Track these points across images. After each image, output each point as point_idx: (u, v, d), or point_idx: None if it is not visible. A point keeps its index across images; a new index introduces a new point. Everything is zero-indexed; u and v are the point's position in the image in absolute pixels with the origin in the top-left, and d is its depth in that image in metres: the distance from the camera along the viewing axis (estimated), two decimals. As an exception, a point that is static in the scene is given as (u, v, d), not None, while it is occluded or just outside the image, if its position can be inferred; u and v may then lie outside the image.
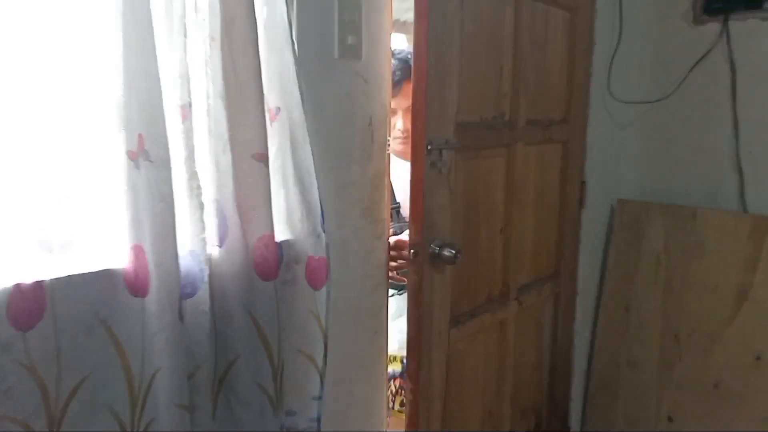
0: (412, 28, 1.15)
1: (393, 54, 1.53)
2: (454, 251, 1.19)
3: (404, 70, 1.52)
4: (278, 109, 0.95)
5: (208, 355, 0.87)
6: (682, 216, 1.82)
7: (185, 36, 0.82)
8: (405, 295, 1.61)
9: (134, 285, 0.77)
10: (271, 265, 0.92)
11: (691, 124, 1.85)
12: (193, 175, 0.84)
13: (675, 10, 1.84)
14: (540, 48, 1.48)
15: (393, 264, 1.45)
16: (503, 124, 1.40)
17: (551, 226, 1.66)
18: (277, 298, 0.94)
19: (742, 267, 1.70)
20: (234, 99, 0.86)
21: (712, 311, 1.75)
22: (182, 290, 0.81)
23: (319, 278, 0.99)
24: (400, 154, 1.64)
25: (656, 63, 1.89)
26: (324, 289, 1.00)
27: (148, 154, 0.76)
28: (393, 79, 1.51)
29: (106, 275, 0.76)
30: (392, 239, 1.46)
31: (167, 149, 0.77)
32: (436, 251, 1.20)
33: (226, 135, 0.87)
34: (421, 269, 1.19)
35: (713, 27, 1.77)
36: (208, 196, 0.88)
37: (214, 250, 0.90)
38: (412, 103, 1.15)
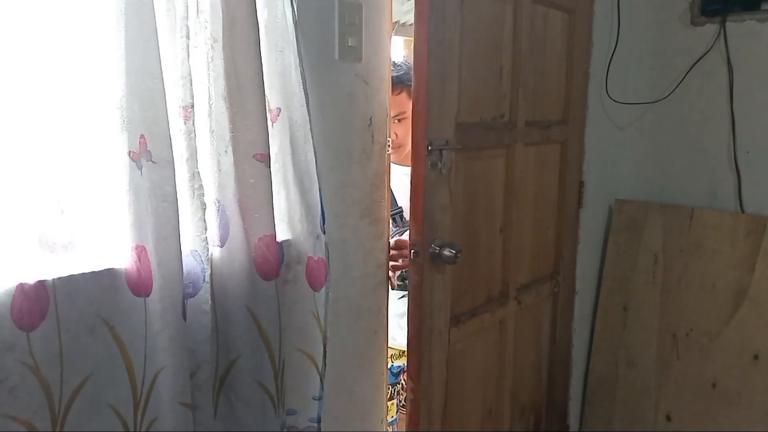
0: (412, 30, 1.16)
1: None
2: (454, 251, 1.19)
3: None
4: (279, 109, 0.95)
5: (209, 355, 0.88)
6: (679, 216, 1.82)
7: (187, 37, 0.83)
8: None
9: (137, 285, 0.77)
10: (272, 265, 0.92)
11: (689, 125, 1.86)
12: (194, 176, 0.84)
13: (673, 12, 1.85)
14: (539, 49, 1.49)
15: (395, 264, 1.45)
16: (503, 125, 1.40)
17: (550, 226, 1.67)
18: (278, 297, 0.94)
19: (740, 266, 1.71)
20: (235, 100, 0.87)
21: (709, 311, 1.76)
22: (184, 290, 0.82)
23: (319, 278, 1.00)
24: (394, 161, 1.65)
25: (654, 64, 1.90)
26: (323, 290, 1.00)
27: (150, 155, 0.76)
28: None
29: (109, 275, 0.76)
30: (393, 239, 1.47)
31: (170, 150, 0.78)
32: (437, 251, 1.20)
33: (227, 135, 0.87)
34: (421, 269, 1.19)
35: (711, 28, 1.78)
36: (210, 196, 0.88)
37: (215, 250, 0.90)
38: (413, 104, 1.15)
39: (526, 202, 1.52)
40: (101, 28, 0.74)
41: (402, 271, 1.55)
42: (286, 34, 0.93)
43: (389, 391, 1.62)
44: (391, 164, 1.64)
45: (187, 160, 0.83)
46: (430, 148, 1.16)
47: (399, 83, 1.55)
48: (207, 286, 0.86)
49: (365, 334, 1.25)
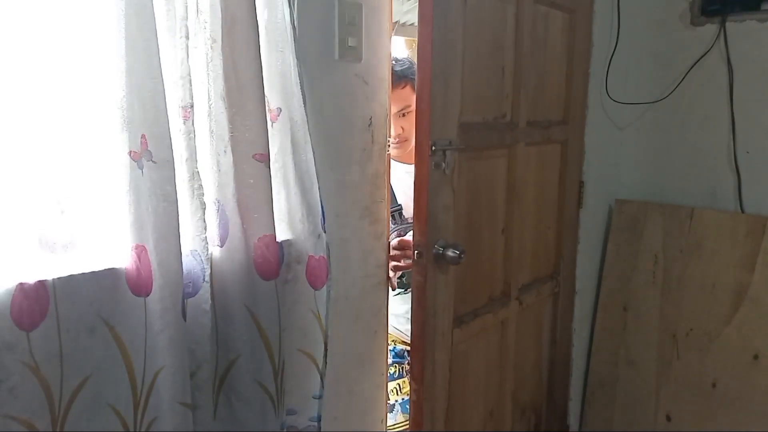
0: (411, 30, 1.16)
1: None
2: (458, 252, 1.18)
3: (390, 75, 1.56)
4: (279, 109, 0.95)
5: (209, 355, 0.88)
6: (679, 216, 1.82)
7: (187, 37, 0.83)
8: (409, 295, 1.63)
9: (137, 284, 0.78)
10: (271, 264, 0.92)
11: (689, 125, 1.86)
12: (194, 176, 0.84)
13: (672, 12, 1.85)
14: (540, 49, 1.48)
15: (397, 264, 1.46)
16: (505, 125, 1.40)
17: (550, 226, 1.67)
18: (278, 297, 0.94)
19: (740, 267, 1.71)
20: (235, 100, 0.87)
21: (709, 311, 1.76)
22: (184, 290, 0.82)
23: (320, 278, 1.00)
24: (396, 158, 1.65)
25: (654, 64, 1.90)
26: (324, 289, 1.00)
27: (150, 155, 0.76)
28: None
29: (109, 275, 0.76)
30: (396, 240, 1.47)
31: (170, 150, 0.78)
32: (440, 252, 1.20)
33: (227, 135, 0.87)
34: (425, 270, 1.18)
35: (711, 28, 1.78)
36: (210, 196, 0.89)
37: (215, 250, 0.90)
38: (417, 104, 1.15)
39: (527, 202, 1.52)
40: (101, 28, 0.74)
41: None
42: (285, 34, 0.93)
43: (396, 369, 1.65)
44: (392, 162, 1.66)
45: (186, 160, 0.83)
46: (433, 148, 1.15)
47: (403, 77, 1.57)
48: (207, 286, 0.86)
49: (365, 334, 1.25)
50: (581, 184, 1.78)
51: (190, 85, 0.83)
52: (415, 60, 1.65)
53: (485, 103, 1.33)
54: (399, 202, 1.64)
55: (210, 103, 0.87)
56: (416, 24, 1.15)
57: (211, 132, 0.88)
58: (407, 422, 1.60)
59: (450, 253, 1.19)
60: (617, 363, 1.92)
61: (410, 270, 1.47)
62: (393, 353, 1.67)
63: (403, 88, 1.57)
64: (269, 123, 0.93)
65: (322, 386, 1.02)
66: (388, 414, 1.58)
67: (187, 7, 0.83)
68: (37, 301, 0.69)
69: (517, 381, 1.59)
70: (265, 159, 0.90)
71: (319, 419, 1.03)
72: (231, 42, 0.86)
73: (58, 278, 0.72)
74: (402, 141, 1.61)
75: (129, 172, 0.76)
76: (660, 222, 1.86)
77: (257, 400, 0.94)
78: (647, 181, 1.95)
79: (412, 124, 1.59)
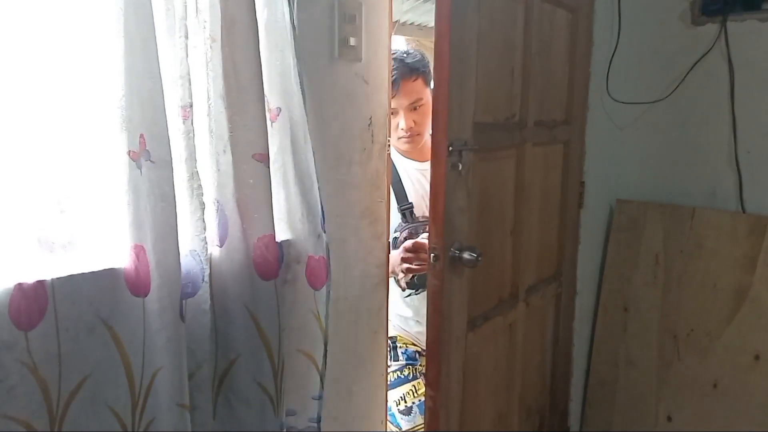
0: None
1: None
2: (475, 254, 1.15)
3: (400, 69, 1.52)
4: (279, 109, 0.95)
5: (208, 355, 0.88)
6: (680, 216, 1.82)
7: (186, 37, 0.83)
8: (422, 295, 1.60)
9: (135, 284, 0.77)
10: (271, 264, 0.92)
11: (690, 125, 1.86)
12: (193, 175, 0.84)
13: (673, 12, 1.85)
14: (546, 49, 1.46)
15: (410, 267, 1.44)
16: (514, 125, 1.38)
17: (553, 227, 1.66)
18: (278, 297, 0.94)
19: (741, 267, 1.70)
20: (234, 99, 0.87)
21: (710, 311, 1.76)
22: (183, 290, 0.82)
23: (320, 278, 1.00)
24: (407, 154, 1.64)
25: (654, 64, 1.90)
26: (324, 289, 1.00)
27: (149, 155, 0.76)
28: (391, 79, 1.52)
29: (108, 275, 0.76)
30: (410, 242, 1.45)
31: (169, 149, 0.78)
32: (457, 254, 1.16)
33: (226, 135, 0.87)
34: (442, 273, 1.15)
35: (711, 28, 1.77)
36: (209, 196, 0.88)
37: (214, 250, 0.90)
38: (433, 104, 1.13)
39: (534, 202, 1.50)
40: (100, 27, 0.74)
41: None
42: (285, 34, 0.93)
43: (411, 371, 1.64)
44: (403, 158, 1.63)
45: (186, 159, 0.83)
46: (450, 148, 1.12)
47: (414, 70, 1.55)
48: (206, 286, 0.86)
49: (365, 334, 1.25)
50: (582, 184, 1.77)
51: (190, 85, 0.83)
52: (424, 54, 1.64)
53: (496, 103, 1.31)
54: (410, 200, 1.62)
55: (209, 102, 0.87)
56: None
57: (211, 132, 0.88)
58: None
59: (467, 255, 1.16)
60: (618, 363, 1.92)
61: (423, 272, 1.45)
62: (405, 356, 1.66)
63: (414, 80, 1.55)
64: (269, 123, 0.93)
65: (322, 387, 1.02)
66: (405, 417, 1.57)
67: (186, 6, 0.83)
68: (36, 300, 0.69)
69: (524, 383, 1.58)
70: (265, 159, 0.90)
71: (318, 420, 1.02)
72: (230, 41, 0.85)
73: (57, 278, 0.71)
74: (414, 135, 1.59)
75: (128, 172, 0.75)
76: (661, 222, 1.85)
77: (257, 401, 0.93)
78: (648, 181, 1.94)
79: (423, 118, 1.58)
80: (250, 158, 0.89)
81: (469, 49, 1.17)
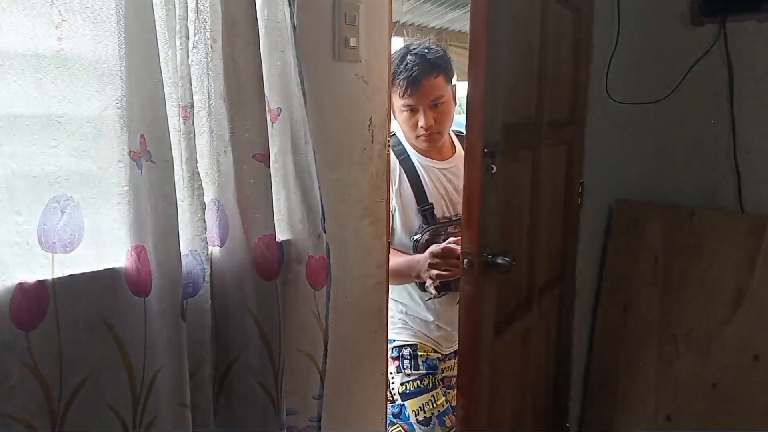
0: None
1: (408, 50, 1.49)
2: (509, 259, 1.11)
3: (421, 65, 1.47)
4: (279, 109, 0.95)
5: (209, 354, 0.88)
6: (679, 216, 1.82)
7: (187, 37, 0.83)
8: (444, 299, 1.57)
9: (136, 284, 0.77)
10: (272, 264, 0.92)
11: (689, 125, 1.86)
12: (194, 176, 0.84)
13: (672, 12, 1.85)
14: (556, 48, 1.44)
15: (440, 273, 1.40)
16: (531, 126, 1.35)
17: (558, 227, 1.66)
18: (278, 297, 0.94)
19: (740, 267, 1.71)
20: (235, 100, 0.87)
21: (710, 311, 1.76)
22: (183, 290, 0.82)
23: (320, 278, 1.00)
24: (426, 153, 1.59)
25: (654, 64, 1.89)
26: (324, 289, 1.00)
27: (150, 155, 0.76)
28: (410, 76, 1.45)
29: (109, 275, 0.76)
30: (437, 247, 1.41)
31: (169, 150, 0.78)
32: (490, 259, 1.12)
33: (227, 135, 0.87)
34: (475, 280, 1.11)
35: (711, 28, 1.77)
36: (209, 196, 0.88)
37: (215, 250, 0.90)
38: (469, 104, 1.08)
39: (544, 203, 1.48)
40: (101, 27, 0.74)
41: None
42: (286, 34, 0.93)
43: (430, 381, 1.61)
44: (422, 157, 1.58)
45: (186, 160, 0.83)
46: (486, 150, 1.08)
47: (436, 66, 1.50)
48: (207, 286, 0.86)
49: (365, 334, 1.25)
50: (581, 184, 1.78)
51: (190, 85, 0.83)
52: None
53: (518, 104, 1.28)
54: (430, 201, 1.56)
55: (210, 102, 0.87)
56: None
57: (211, 132, 0.88)
58: None
59: (500, 260, 1.12)
60: (617, 363, 1.92)
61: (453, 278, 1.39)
62: (426, 365, 1.62)
63: (436, 77, 1.49)
64: (269, 123, 0.93)
65: (322, 386, 1.02)
66: (424, 427, 1.55)
67: (186, 6, 0.83)
68: (37, 300, 0.69)
69: (534, 385, 1.56)
70: (266, 159, 0.90)
71: (319, 419, 1.03)
72: (231, 42, 0.86)
73: (58, 278, 0.72)
74: (434, 134, 1.53)
75: (128, 172, 0.75)
76: (660, 222, 1.85)
77: (257, 400, 0.94)
78: (647, 181, 1.94)
79: (444, 116, 1.53)
80: (250, 158, 0.89)
81: (500, 47, 1.13)
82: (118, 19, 0.73)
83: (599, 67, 1.78)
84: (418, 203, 1.55)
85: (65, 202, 0.73)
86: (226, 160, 0.88)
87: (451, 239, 1.46)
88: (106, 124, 0.75)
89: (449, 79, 1.55)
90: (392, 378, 1.62)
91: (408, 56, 1.49)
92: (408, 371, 1.61)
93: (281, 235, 0.97)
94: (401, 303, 1.64)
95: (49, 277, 0.71)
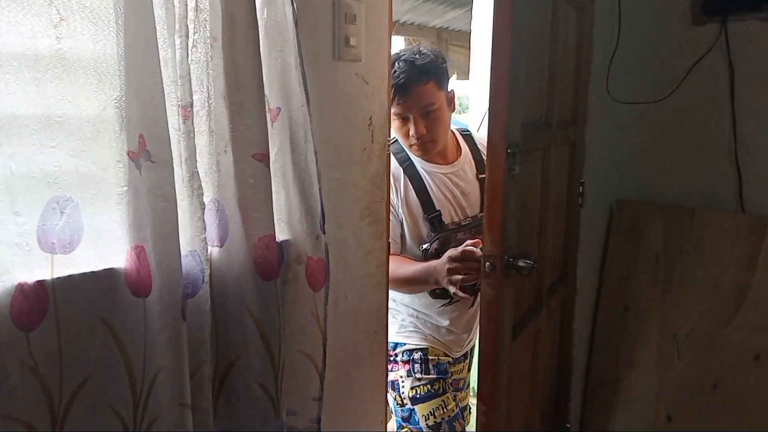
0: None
1: (399, 57, 1.44)
2: (531, 262, 1.09)
3: (409, 72, 1.42)
4: (279, 109, 0.95)
5: (208, 355, 0.87)
6: (680, 216, 1.82)
7: (186, 36, 0.82)
8: (456, 304, 1.57)
9: (136, 285, 0.77)
10: (271, 264, 0.92)
11: (690, 125, 1.86)
12: (193, 176, 0.84)
13: (673, 11, 1.85)
14: (564, 47, 1.43)
15: (459, 277, 1.36)
16: (543, 126, 1.34)
17: (561, 227, 1.65)
18: (278, 297, 0.94)
19: (741, 267, 1.70)
20: (235, 99, 0.87)
21: (710, 311, 1.75)
22: (183, 290, 0.82)
23: (319, 279, 1.00)
24: (429, 159, 1.55)
25: (654, 64, 1.89)
26: (323, 291, 1.00)
27: (149, 155, 0.76)
28: (398, 84, 1.41)
29: (108, 275, 0.76)
30: (455, 251, 1.38)
31: (169, 149, 0.78)
32: (511, 262, 1.10)
33: (227, 135, 0.87)
34: (497, 283, 1.09)
35: (712, 28, 1.77)
36: (209, 196, 0.88)
37: (214, 250, 0.90)
38: (491, 104, 1.06)
39: (551, 204, 1.46)
40: (100, 26, 0.74)
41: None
42: (286, 34, 0.93)
43: (440, 385, 1.60)
44: (425, 163, 1.54)
45: (186, 159, 0.83)
46: (509, 150, 1.06)
47: (425, 73, 1.44)
48: (206, 286, 0.86)
49: (365, 334, 1.25)
50: (581, 184, 1.78)
51: (190, 85, 0.83)
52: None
53: (533, 103, 1.26)
54: (437, 208, 1.53)
55: (210, 102, 0.87)
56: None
57: (211, 131, 0.88)
58: None
59: (521, 263, 1.10)
60: (617, 363, 1.92)
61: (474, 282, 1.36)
62: (436, 370, 1.61)
63: (426, 84, 1.44)
64: (269, 122, 0.93)
65: (322, 387, 1.02)
66: None
67: (186, 5, 0.82)
68: (37, 301, 0.69)
69: (541, 387, 1.55)
70: (265, 158, 0.90)
71: (318, 420, 1.03)
72: (231, 41, 0.85)
73: (58, 278, 0.71)
74: (427, 142, 1.49)
75: (127, 172, 0.75)
76: (661, 222, 1.85)
77: (257, 401, 0.93)
78: (648, 181, 1.94)
79: (437, 124, 1.47)
80: (250, 158, 0.89)
81: (522, 46, 1.11)
82: (117, 18, 0.73)
83: (600, 66, 1.77)
84: (425, 211, 1.52)
85: (64, 203, 0.72)
86: (226, 159, 0.88)
87: (469, 242, 1.42)
88: (105, 124, 0.75)
89: (441, 85, 1.50)
90: (402, 382, 1.61)
91: (397, 63, 1.44)
92: (419, 375, 1.60)
93: (281, 235, 0.97)
94: (412, 308, 1.63)
95: (48, 277, 0.70)
